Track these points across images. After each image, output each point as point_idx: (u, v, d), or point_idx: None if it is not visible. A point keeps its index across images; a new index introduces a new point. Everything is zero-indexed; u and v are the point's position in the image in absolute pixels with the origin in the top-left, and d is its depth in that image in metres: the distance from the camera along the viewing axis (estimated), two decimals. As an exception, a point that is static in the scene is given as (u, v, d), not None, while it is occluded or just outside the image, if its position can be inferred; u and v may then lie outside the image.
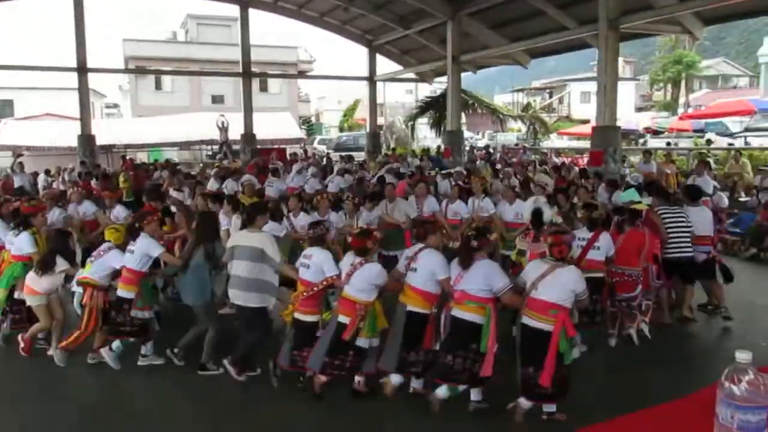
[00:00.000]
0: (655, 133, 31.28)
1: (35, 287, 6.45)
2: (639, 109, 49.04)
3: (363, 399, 5.48)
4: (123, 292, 6.26)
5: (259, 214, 6.15)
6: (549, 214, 7.11)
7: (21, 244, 6.72)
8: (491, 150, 26.02)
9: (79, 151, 21.22)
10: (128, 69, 35.83)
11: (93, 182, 14.85)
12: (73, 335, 6.30)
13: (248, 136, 24.12)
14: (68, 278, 6.70)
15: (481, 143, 33.54)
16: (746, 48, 76.83)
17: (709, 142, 23.39)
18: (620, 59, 15.28)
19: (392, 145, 33.12)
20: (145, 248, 6.22)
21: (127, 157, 21.84)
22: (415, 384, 5.47)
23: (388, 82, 31.43)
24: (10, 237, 6.98)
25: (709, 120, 28.22)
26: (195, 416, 5.43)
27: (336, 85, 46.75)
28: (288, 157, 23.43)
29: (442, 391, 5.08)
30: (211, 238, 6.18)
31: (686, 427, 1.52)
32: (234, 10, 24.76)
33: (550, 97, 52.20)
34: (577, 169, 18.68)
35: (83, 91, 21.61)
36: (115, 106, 48.16)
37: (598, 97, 15.05)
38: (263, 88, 39.16)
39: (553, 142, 34.10)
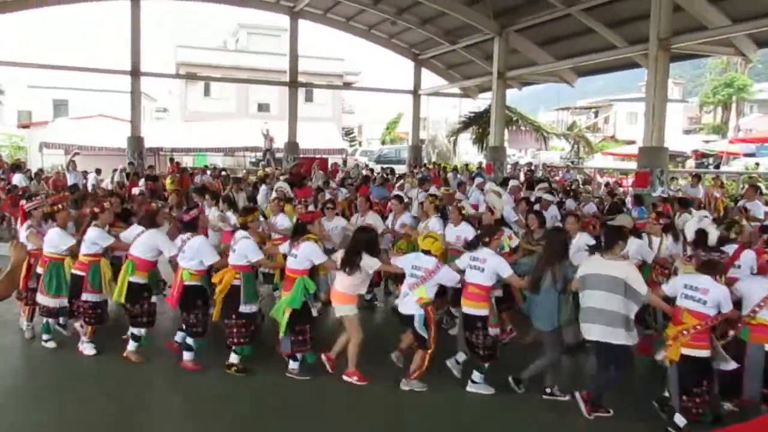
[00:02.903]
0: (703, 156, 30.67)
1: (349, 291, 6.06)
2: (687, 132, 48.12)
3: None
4: (473, 309, 5.82)
5: (618, 240, 5.53)
6: (715, 234, 6.58)
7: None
8: (533, 168, 25.85)
9: (128, 152, 21.81)
10: (179, 74, 36.71)
11: (140, 183, 15.24)
12: (423, 359, 5.89)
13: (292, 144, 24.43)
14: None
15: (523, 161, 33.33)
16: (801, 73, 74.72)
17: (757, 165, 22.83)
18: (669, 80, 15.02)
19: (434, 159, 33.16)
20: (496, 266, 5.80)
21: (174, 160, 22.34)
22: None
23: (432, 96, 31.49)
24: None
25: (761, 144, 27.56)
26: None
27: (380, 98, 47.04)
28: (329, 167, 23.67)
29: None
30: (559, 258, 5.72)
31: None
32: (284, 21, 25.21)
33: (596, 116, 51.60)
34: (621, 189, 18.51)
35: (135, 94, 22.24)
36: (165, 110, 49.30)
37: (646, 118, 14.77)
38: (309, 98, 39.68)
39: (597, 162, 33.65)
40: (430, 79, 28.13)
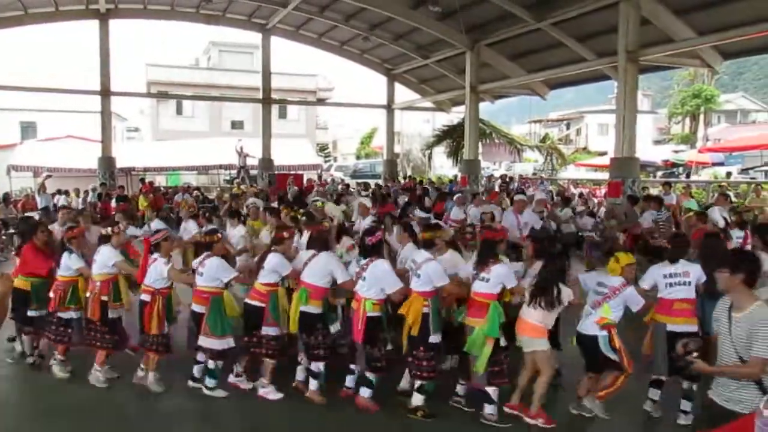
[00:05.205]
0: (674, 166, 31.17)
1: (542, 324, 5.47)
2: (657, 142, 48.91)
3: None
4: (682, 326, 5.33)
5: None
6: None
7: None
8: (508, 180, 26.01)
9: (99, 173, 21.49)
10: (150, 93, 36.40)
11: (112, 204, 14.99)
12: (617, 380, 5.42)
13: (266, 161, 24.32)
14: None
15: (497, 173, 33.56)
16: (765, 83, 76.70)
17: (728, 175, 23.27)
18: (638, 92, 15.25)
19: (409, 173, 33.25)
20: (699, 275, 5.58)
21: (147, 180, 22.06)
22: None
23: (405, 110, 31.60)
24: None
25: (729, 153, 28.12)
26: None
27: (354, 113, 47.18)
28: (305, 182, 23.56)
29: None
30: (712, 264, 5.55)
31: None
32: (256, 38, 25.14)
33: (568, 128, 52.22)
34: (595, 200, 18.71)
35: (105, 114, 21.94)
36: (136, 129, 48.81)
37: (616, 129, 14.95)
38: (282, 115, 39.60)
39: (571, 173, 34.02)
40: (403, 94, 28.24)
